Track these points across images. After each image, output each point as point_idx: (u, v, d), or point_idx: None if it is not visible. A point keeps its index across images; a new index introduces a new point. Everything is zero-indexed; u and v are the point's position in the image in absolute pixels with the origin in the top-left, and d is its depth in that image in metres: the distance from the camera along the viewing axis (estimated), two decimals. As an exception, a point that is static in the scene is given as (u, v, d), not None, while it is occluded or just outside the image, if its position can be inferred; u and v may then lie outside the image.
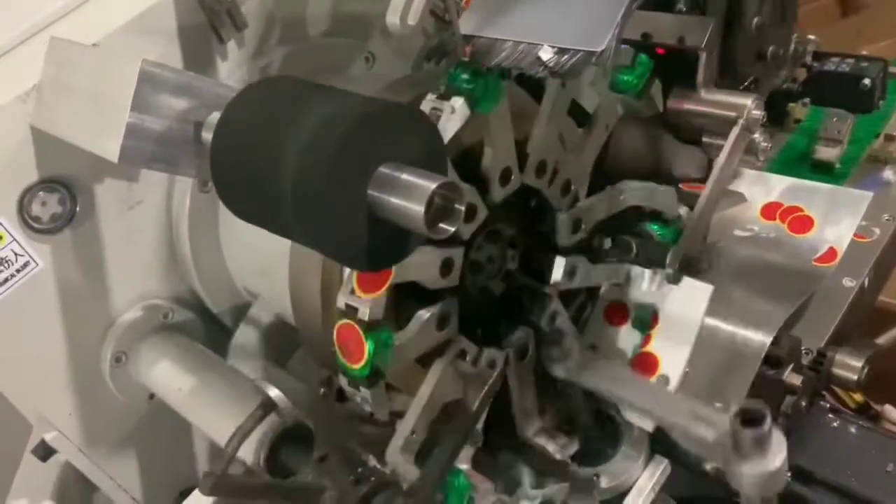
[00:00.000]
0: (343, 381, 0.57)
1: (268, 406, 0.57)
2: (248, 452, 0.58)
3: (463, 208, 0.43)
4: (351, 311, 0.54)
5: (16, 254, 0.63)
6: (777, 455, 0.51)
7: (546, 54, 0.49)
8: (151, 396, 0.74)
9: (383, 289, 0.53)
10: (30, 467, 0.80)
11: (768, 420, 0.50)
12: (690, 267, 0.70)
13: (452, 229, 0.43)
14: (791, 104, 1.03)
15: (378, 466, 0.56)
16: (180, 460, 0.78)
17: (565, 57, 0.48)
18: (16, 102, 0.61)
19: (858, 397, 1.20)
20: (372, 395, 0.55)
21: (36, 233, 0.64)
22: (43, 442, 0.71)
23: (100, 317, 0.70)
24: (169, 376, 0.68)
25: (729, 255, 0.89)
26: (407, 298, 0.62)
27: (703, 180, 0.88)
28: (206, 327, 0.76)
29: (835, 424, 0.84)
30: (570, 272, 0.72)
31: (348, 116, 0.42)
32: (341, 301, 0.54)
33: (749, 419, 0.50)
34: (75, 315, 0.68)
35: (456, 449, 0.57)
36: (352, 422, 0.68)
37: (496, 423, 0.74)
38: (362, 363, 0.54)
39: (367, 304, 0.53)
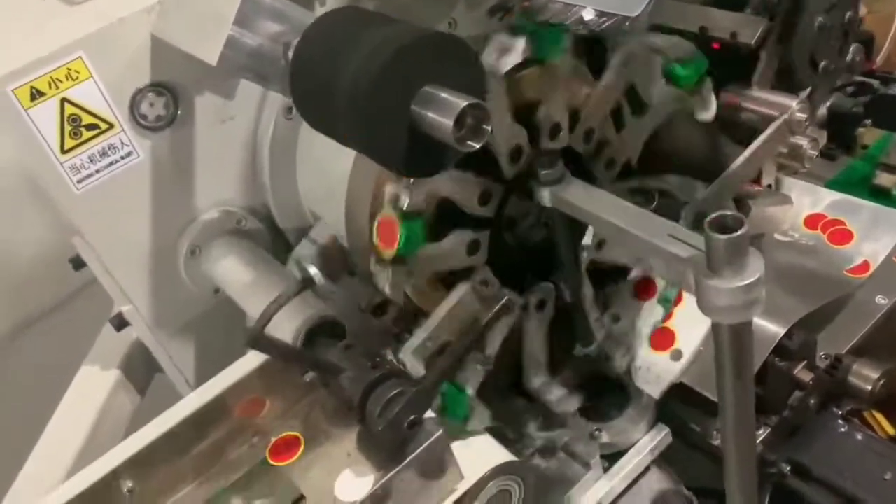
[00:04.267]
0: (372, 262, 0.65)
1: (308, 281, 0.66)
2: (288, 335, 0.66)
3: (489, 129, 0.50)
4: (393, 199, 0.62)
5: (122, 143, 0.74)
6: (753, 272, 0.48)
7: (588, 15, 0.56)
8: (216, 292, 0.84)
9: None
10: (105, 338, 0.92)
11: (745, 227, 0.47)
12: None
13: (478, 146, 0.50)
14: (860, 129, 1.06)
15: (394, 361, 0.64)
16: (234, 353, 0.88)
17: (603, 19, 0.55)
18: (142, 13, 0.71)
19: (890, 429, 1.21)
20: (394, 274, 0.63)
21: (141, 128, 0.75)
22: (119, 314, 0.82)
23: (183, 211, 0.80)
24: (233, 270, 0.78)
25: (765, 254, 0.93)
26: (447, 222, 0.69)
27: (756, 180, 0.93)
28: (271, 240, 0.85)
29: (842, 430, 0.87)
30: (598, 244, 0.78)
31: (398, 41, 0.50)
32: (389, 191, 0.63)
33: (724, 228, 0.48)
34: (163, 206, 0.78)
35: (460, 355, 0.64)
36: (383, 336, 0.76)
37: (511, 372, 0.81)
38: (393, 248, 0.62)
39: (408, 194, 0.61)
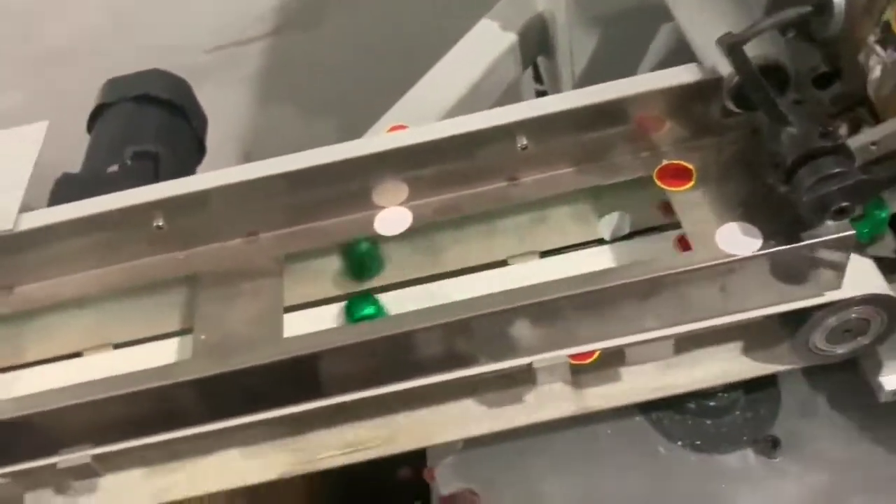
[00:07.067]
0: (871, 38, 0.56)
1: (822, 7, 0.58)
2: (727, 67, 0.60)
3: None
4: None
5: None
6: None
7: None
8: (642, -6, 0.78)
9: None
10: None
11: None
12: None
13: None
14: None
15: (845, 140, 0.56)
16: (625, 72, 0.83)
17: None
18: None
19: None
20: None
21: None
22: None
23: None
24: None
25: None
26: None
27: None
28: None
29: None
30: None
31: None
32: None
33: None
34: None
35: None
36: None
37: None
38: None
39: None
